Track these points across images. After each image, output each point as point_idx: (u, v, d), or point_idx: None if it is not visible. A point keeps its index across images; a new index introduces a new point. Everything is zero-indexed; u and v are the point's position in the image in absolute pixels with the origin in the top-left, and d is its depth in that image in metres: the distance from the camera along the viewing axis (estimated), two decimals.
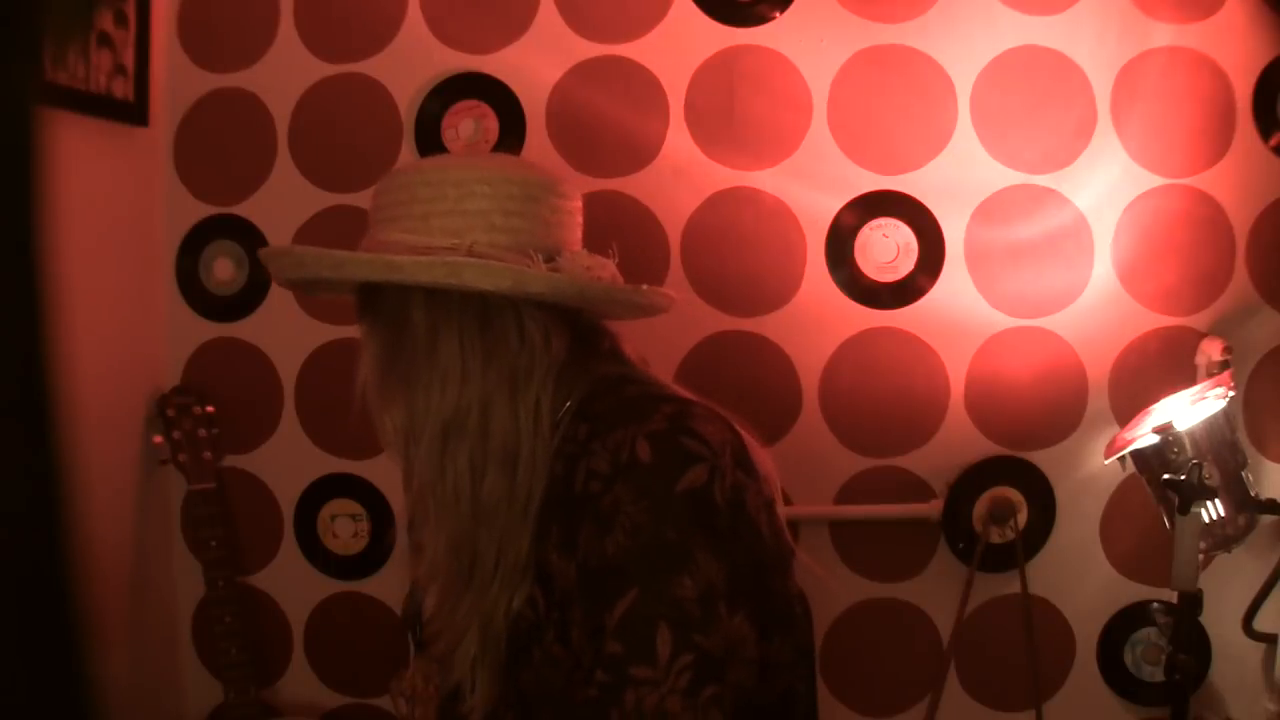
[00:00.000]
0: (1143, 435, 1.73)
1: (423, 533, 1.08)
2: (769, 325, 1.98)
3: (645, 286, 1.11)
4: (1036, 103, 1.95)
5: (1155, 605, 1.94)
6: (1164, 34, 1.91)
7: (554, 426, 1.04)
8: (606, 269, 1.08)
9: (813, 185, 1.98)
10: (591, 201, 1.97)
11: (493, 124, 2.00)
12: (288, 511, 2.10)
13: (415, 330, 1.04)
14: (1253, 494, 1.75)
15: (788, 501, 1.60)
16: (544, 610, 0.99)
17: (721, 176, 1.98)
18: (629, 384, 1.07)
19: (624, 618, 0.90)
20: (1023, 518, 1.96)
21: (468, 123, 2.02)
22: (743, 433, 1.02)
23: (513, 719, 1.01)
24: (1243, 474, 1.76)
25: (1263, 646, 1.89)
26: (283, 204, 2.06)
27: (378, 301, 1.08)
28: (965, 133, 1.96)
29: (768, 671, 0.97)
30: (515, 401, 1.02)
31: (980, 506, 1.97)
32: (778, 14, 1.97)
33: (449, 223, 1.03)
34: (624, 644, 0.89)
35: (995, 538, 1.96)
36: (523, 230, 1.05)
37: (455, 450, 1.02)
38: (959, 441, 1.98)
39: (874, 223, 1.98)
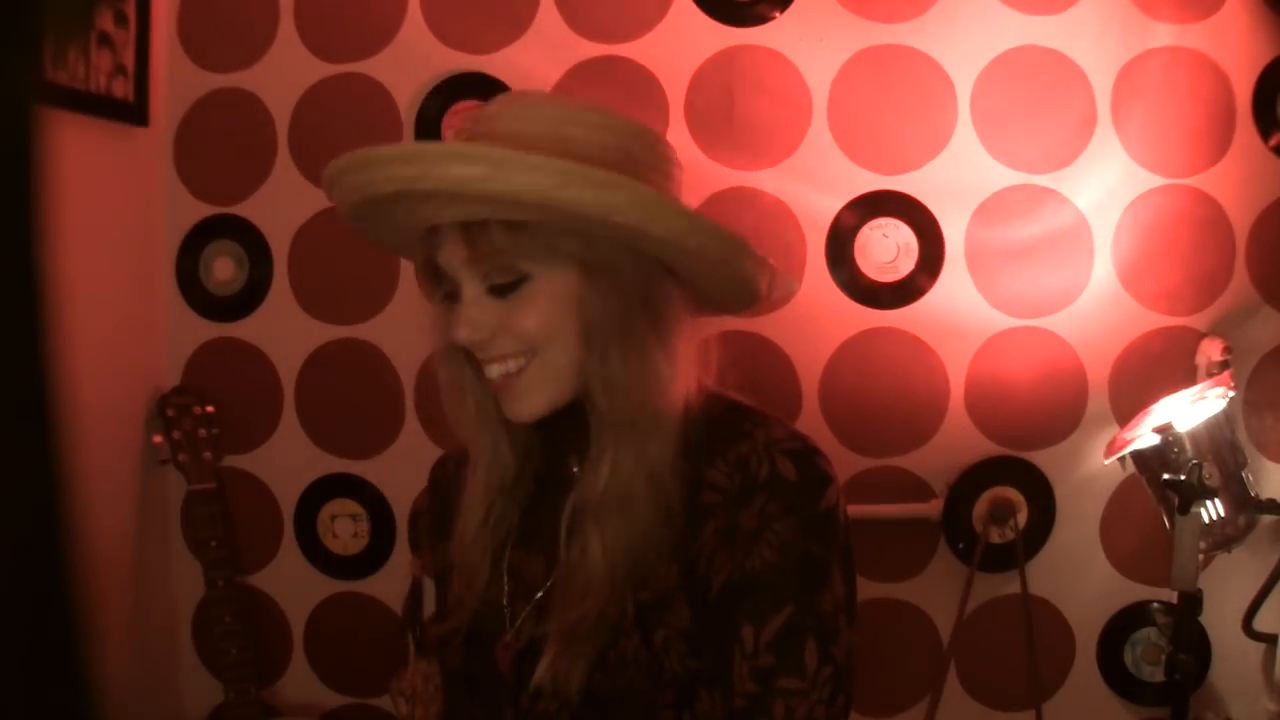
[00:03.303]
0: (1143, 435, 1.73)
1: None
2: (769, 325, 1.98)
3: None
4: (1036, 103, 1.94)
5: (1155, 605, 1.94)
6: (1164, 34, 1.91)
7: None
8: None
9: (813, 185, 1.98)
10: None
11: None
12: (288, 511, 2.10)
13: (645, 291, 0.95)
14: (1253, 494, 1.75)
15: None
16: (631, 614, 0.96)
17: (721, 176, 1.98)
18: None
19: (780, 632, 0.92)
20: (1023, 518, 1.97)
21: None
22: None
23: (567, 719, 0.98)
24: (1243, 474, 1.76)
25: (1263, 646, 1.89)
26: (283, 204, 2.06)
27: (586, 247, 0.92)
28: (965, 133, 1.96)
29: None
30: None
31: (980, 506, 1.97)
32: (778, 14, 1.97)
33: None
34: (777, 657, 0.91)
35: (995, 538, 1.96)
36: None
37: (645, 455, 0.96)
38: (959, 441, 1.98)
39: (874, 223, 1.98)
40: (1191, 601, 1.61)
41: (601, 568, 0.95)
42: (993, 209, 1.96)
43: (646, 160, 0.97)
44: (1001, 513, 1.95)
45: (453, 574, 1.08)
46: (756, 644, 0.92)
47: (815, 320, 1.98)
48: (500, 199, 0.87)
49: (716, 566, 0.94)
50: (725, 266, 0.98)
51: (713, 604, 0.94)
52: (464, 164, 0.87)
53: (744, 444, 0.95)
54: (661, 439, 0.95)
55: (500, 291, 0.94)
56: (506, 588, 1.05)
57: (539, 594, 1.02)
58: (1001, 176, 1.95)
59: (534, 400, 0.97)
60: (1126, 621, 1.98)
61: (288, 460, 2.09)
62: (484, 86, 2.01)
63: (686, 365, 0.98)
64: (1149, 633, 1.97)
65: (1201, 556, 1.64)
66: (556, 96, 1.01)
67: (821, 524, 0.95)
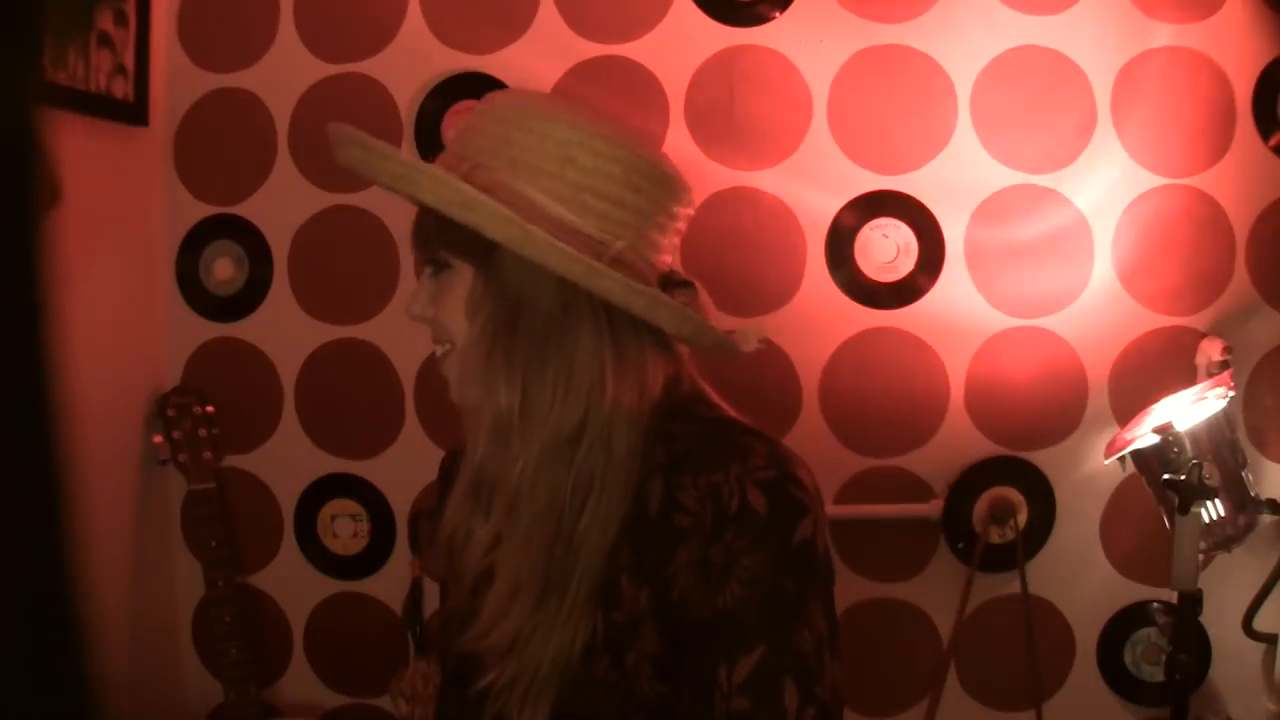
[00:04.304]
0: (1143, 435, 1.73)
1: (500, 546, 1.00)
2: (769, 325, 1.97)
3: (735, 332, 1.04)
4: (1036, 103, 1.94)
5: (1155, 605, 1.94)
6: (1164, 34, 1.91)
7: None
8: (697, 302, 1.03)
9: (813, 185, 1.97)
10: None
11: None
12: (288, 511, 2.10)
13: (540, 306, 0.95)
14: (1253, 494, 1.75)
15: None
16: (602, 634, 0.95)
17: (721, 176, 1.98)
18: (698, 403, 1.03)
19: (752, 674, 0.89)
20: (1023, 518, 1.96)
21: None
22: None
23: None
24: (1243, 474, 1.76)
25: (1263, 646, 1.89)
26: (283, 204, 2.06)
27: (488, 253, 0.95)
28: (965, 133, 1.96)
29: None
30: (637, 418, 0.96)
31: (980, 506, 1.97)
32: (778, 14, 1.97)
33: (605, 208, 0.95)
34: (752, 700, 0.89)
35: (995, 538, 1.96)
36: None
37: (570, 465, 0.95)
38: (959, 441, 1.98)
39: (874, 223, 1.98)
40: (1191, 601, 1.61)
41: (495, 562, 0.98)
42: (993, 209, 1.96)
43: (646, 200, 0.97)
44: (1001, 513, 1.95)
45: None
46: (730, 685, 0.90)
47: (815, 320, 1.98)
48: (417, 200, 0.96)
49: (691, 601, 0.92)
50: (630, 310, 0.96)
51: (688, 641, 0.93)
52: (389, 163, 0.97)
53: (718, 472, 0.93)
54: (546, 452, 0.95)
55: (435, 274, 1.01)
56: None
57: None
58: (1001, 176, 1.95)
59: (454, 385, 1.01)
60: (1126, 621, 1.98)
61: (288, 460, 2.09)
62: (484, 86, 2.00)
63: (599, 386, 0.95)
64: (1149, 633, 1.97)
65: (1201, 556, 1.64)
66: (573, 113, 0.98)
67: (795, 558, 0.91)
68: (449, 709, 1.14)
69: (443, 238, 0.97)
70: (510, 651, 0.96)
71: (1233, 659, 1.93)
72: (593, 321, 0.95)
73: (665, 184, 0.99)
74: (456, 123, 2.01)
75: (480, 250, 0.94)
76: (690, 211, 1.03)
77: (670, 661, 0.94)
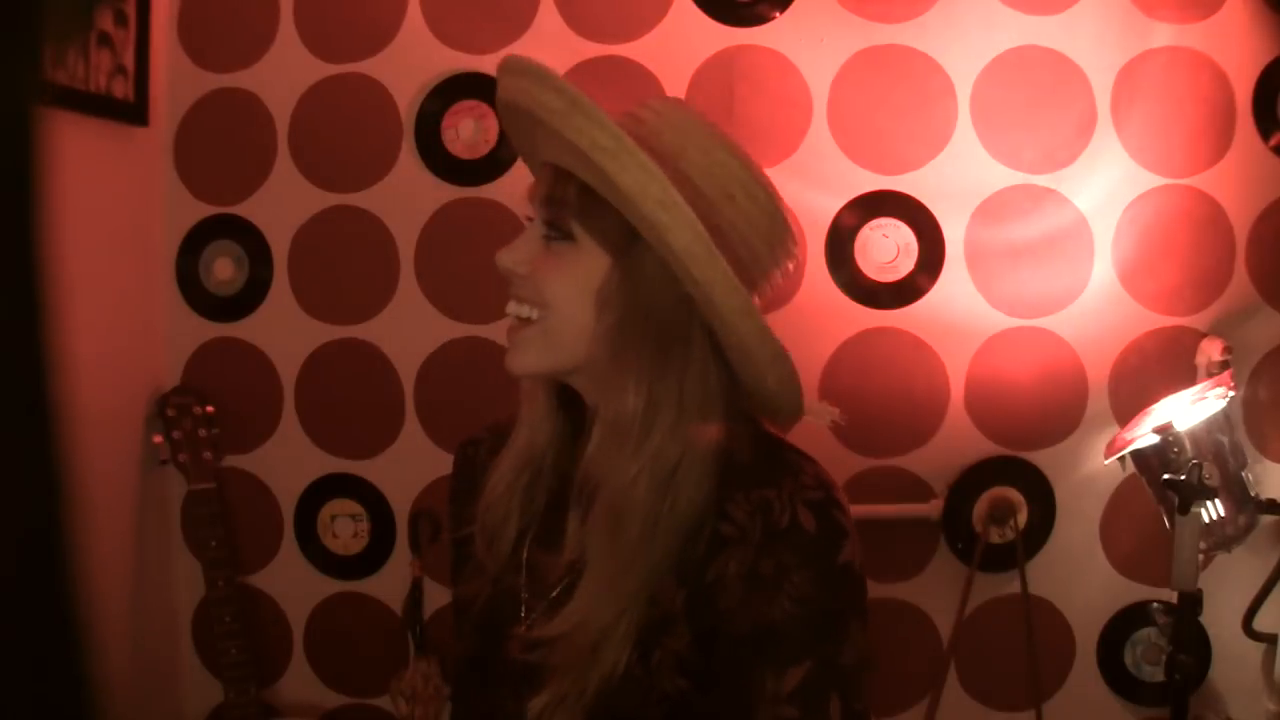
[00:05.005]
0: (1143, 435, 1.73)
1: (574, 545, 1.00)
2: (769, 325, 1.97)
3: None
4: (1036, 103, 1.95)
5: (1155, 605, 1.93)
6: (1164, 34, 1.91)
7: None
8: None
9: (813, 185, 1.97)
10: None
11: (492, 124, 2.00)
12: (288, 511, 2.10)
13: (661, 316, 0.95)
14: (1253, 494, 1.75)
15: None
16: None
17: None
18: (747, 421, 1.04)
19: (802, 685, 0.91)
20: (1023, 518, 1.96)
21: (468, 123, 2.02)
22: None
23: None
24: (1243, 474, 1.76)
25: (1263, 646, 1.89)
26: (283, 204, 2.06)
27: (628, 246, 0.94)
28: (965, 133, 1.96)
29: None
30: (715, 456, 0.97)
31: (980, 506, 1.97)
32: (778, 14, 1.97)
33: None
34: (801, 709, 0.91)
35: (995, 538, 1.96)
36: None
37: (665, 498, 0.95)
38: (959, 441, 1.98)
39: (874, 223, 1.98)
40: (1191, 601, 1.61)
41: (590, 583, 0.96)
42: (993, 209, 1.96)
43: (771, 259, 1.01)
44: (1001, 513, 1.95)
45: (474, 538, 1.07)
46: (777, 692, 0.92)
47: (815, 320, 1.98)
48: (598, 174, 0.93)
49: (736, 610, 0.94)
50: (749, 358, 0.99)
51: (728, 646, 0.94)
52: (596, 129, 0.95)
53: (770, 488, 0.95)
54: (652, 480, 0.95)
55: (550, 239, 0.98)
56: (524, 579, 1.05)
57: (554, 592, 1.01)
58: (1001, 176, 1.95)
59: (529, 357, 0.99)
60: (1126, 621, 1.98)
61: (288, 460, 2.09)
62: (484, 86, 2.00)
63: (700, 417, 0.96)
64: (1149, 633, 1.97)
65: (1201, 556, 1.64)
66: (744, 154, 1.00)
67: (839, 578, 0.95)
68: (471, 708, 1.13)
69: (585, 214, 0.95)
70: (560, 670, 0.96)
71: (1233, 659, 1.93)
72: (700, 348, 0.97)
73: (788, 248, 1.02)
74: (455, 123, 2.02)
75: (622, 242, 0.94)
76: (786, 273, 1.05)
77: (695, 661, 0.95)
